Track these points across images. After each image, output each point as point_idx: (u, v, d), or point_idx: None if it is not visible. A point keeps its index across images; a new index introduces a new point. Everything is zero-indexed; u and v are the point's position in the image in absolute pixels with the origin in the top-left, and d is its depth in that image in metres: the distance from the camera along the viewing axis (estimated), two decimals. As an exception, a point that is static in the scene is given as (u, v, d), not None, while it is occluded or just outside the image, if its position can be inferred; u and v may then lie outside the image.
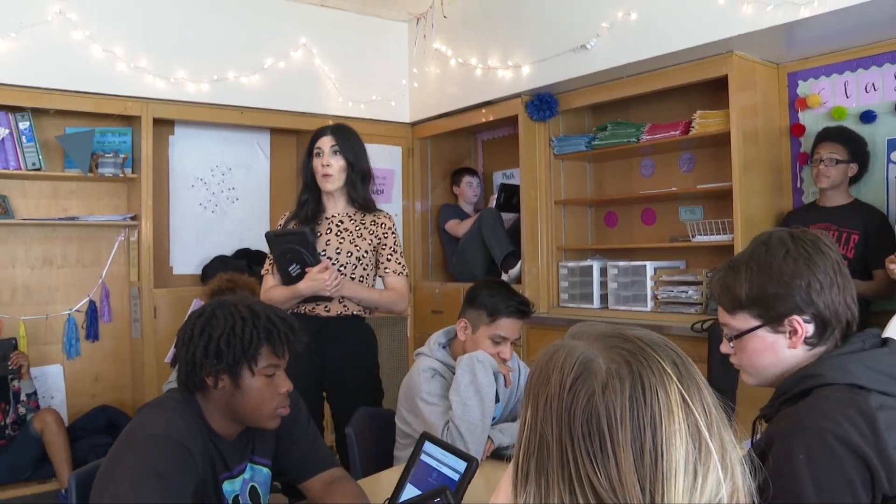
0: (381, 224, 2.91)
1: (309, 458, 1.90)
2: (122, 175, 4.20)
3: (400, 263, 2.90)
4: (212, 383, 1.64)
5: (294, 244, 2.68)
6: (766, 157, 3.68)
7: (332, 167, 2.84)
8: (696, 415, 0.85)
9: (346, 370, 2.86)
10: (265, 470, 1.83)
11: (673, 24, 3.51)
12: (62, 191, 4.34)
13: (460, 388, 2.21)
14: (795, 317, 1.41)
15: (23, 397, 3.79)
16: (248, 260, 4.76)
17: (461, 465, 1.66)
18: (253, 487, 1.79)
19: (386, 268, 2.89)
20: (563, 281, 4.50)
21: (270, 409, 1.69)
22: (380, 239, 2.90)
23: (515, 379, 2.54)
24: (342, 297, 2.80)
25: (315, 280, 2.68)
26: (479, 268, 4.83)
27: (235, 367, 1.63)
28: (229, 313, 1.65)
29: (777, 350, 1.44)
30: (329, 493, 1.84)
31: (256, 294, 3.60)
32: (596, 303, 4.29)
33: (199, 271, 4.71)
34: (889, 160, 3.42)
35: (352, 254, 2.86)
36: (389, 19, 5.08)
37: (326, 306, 2.82)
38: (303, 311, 2.83)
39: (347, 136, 2.89)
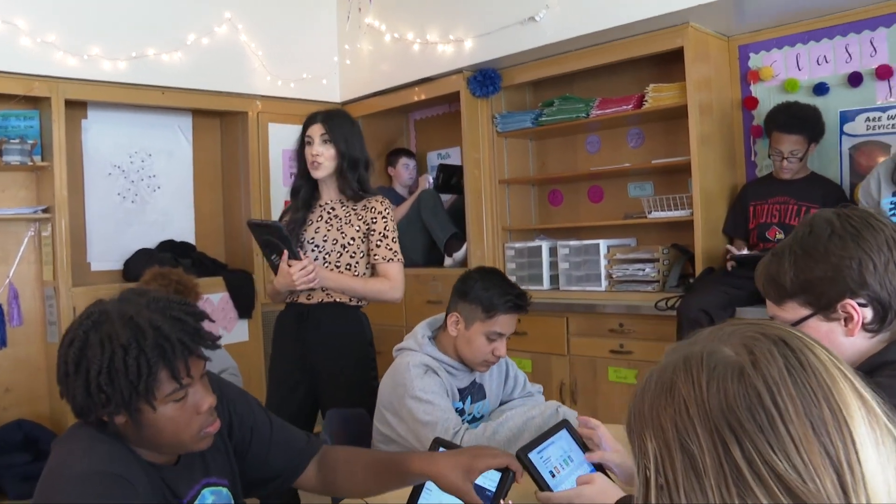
0: (372, 209, 2.74)
1: (291, 452, 1.65)
2: (30, 163, 3.80)
3: (391, 249, 2.72)
4: (109, 420, 1.32)
5: (272, 237, 2.57)
6: (719, 131, 3.64)
7: (321, 156, 2.73)
8: (849, 374, 0.73)
9: (329, 359, 2.73)
10: (224, 490, 1.54)
11: (628, -6, 3.41)
12: (-40, 182, 3.89)
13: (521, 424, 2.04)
14: (849, 301, 1.29)
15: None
16: (173, 252, 4.43)
17: (492, 475, 1.49)
18: None
19: (375, 254, 2.72)
20: (510, 262, 4.36)
21: (192, 434, 1.37)
22: (369, 224, 2.73)
23: (498, 372, 2.38)
24: (324, 288, 2.70)
25: (284, 276, 2.59)
26: (418, 252, 4.65)
27: (130, 406, 1.28)
28: (106, 337, 1.27)
29: (833, 339, 1.31)
30: (329, 468, 1.64)
31: (194, 293, 3.33)
32: (546, 284, 4.18)
33: (120, 267, 4.36)
34: (842, 132, 3.42)
35: (337, 241, 2.73)
36: (318, -7, 4.81)
37: (309, 295, 2.73)
38: (287, 300, 2.79)
39: (339, 123, 2.76)
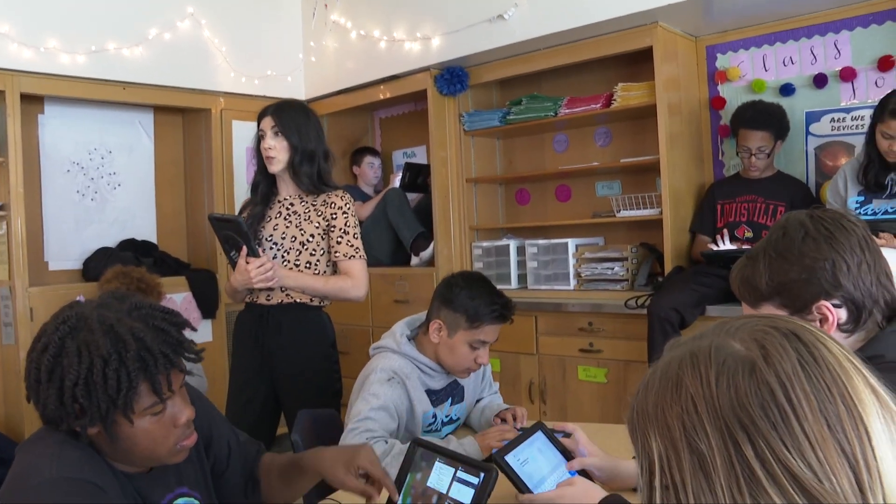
0: (332, 203, 2.65)
1: (247, 457, 1.62)
2: (-16, 159, 3.67)
3: (352, 246, 2.64)
4: (81, 431, 1.25)
5: (230, 231, 2.46)
6: (687, 130, 3.66)
7: (273, 149, 2.63)
8: (861, 368, 0.71)
9: (290, 365, 2.64)
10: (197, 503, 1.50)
11: (597, -7, 3.40)
12: None
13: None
14: (823, 302, 1.30)
15: None
16: (134, 252, 4.32)
17: (472, 479, 1.46)
18: None
19: (336, 251, 2.64)
20: (478, 262, 4.34)
21: (168, 448, 1.32)
22: (328, 220, 2.65)
23: (474, 377, 2.34)
24: (283, 287, 2.60)
25: (241, 273, 2.48)
26: (384, 251, 4.61)
27: (106, 419, 1.22)
28: (84, 346, 1.20)
29: None
30: (263, 477, 1.62)
31: (157, 292, 3.25)
32: (514, 283, 4.16)
33: (79, 266, 4.23)
34: (808, 132, 3.46)
35: (296, 238, 2.64)
36: (283, -11, 4.73)
37: (268, 295, 2.65)
38: (247, 300, 2.69)
39: (290, 115, 2.65)
